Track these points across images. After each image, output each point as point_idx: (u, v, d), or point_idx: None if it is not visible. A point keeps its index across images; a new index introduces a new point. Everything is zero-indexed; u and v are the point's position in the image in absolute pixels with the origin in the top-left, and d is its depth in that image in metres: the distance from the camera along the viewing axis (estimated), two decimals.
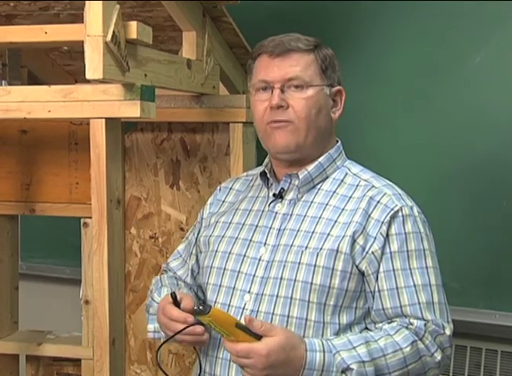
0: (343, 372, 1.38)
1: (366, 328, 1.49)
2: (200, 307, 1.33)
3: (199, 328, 1.44)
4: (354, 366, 1.38)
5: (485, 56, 2.19)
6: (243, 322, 1.38)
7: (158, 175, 2.19)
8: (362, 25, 2.33)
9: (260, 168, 1.65)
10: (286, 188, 1.55)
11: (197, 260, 1.67)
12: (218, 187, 1.73)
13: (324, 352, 1.38)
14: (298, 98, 1.50)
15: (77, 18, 1.77)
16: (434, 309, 1.46)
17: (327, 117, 1.55)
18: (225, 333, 1.35)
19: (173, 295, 1.46)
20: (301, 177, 1.54)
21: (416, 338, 1.43)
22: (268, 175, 1.58)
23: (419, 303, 1.45)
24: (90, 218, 1.69)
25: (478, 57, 2.20)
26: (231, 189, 1.69)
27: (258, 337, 1.35)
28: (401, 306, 1.45)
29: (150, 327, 1.61)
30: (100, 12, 1.48)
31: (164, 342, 1.52)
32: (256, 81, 1.54)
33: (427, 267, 1.48)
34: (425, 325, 1.44)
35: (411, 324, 1.44)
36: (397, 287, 1.45)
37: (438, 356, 1.45)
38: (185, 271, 1.70)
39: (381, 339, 1.42)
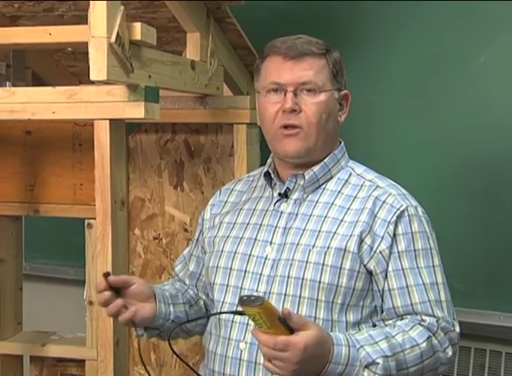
0: (366, 367, 1.38)
1: (374, 326, 1.50)
2: (252, 297, 1.27)
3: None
4: (379, 361, 1.38)
5: (490, 56, 2.19)
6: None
7: (162, 176, 2.19)
8: (365, 25, 2.32)
9: (261, 169, 1.66)
10: (291, 188, 1.56)
11: (197, 262, 1.68)
12: (219, 190, 1.73)
13: (349, 346, 1.38)
14: (310, 102, 1.51)
15: (82, 19, 1.77)
16: (442, 307, 1.48)
17: (334, 121, 1.56)
18: (267, 325, 1.29)
19: (105, 273, 1.47)
20: (307, 177, 1.54)
21: (431, 334, 1.45)
22: (272, 175, 1.59)
23: (429, 301, 1.47)
24: (94, 219, 1.69)
25: (483, 57, 2.20)
26: (232, 190, 1.69)
27: (291, 330, 1.30)
28: (412, 304, 1.47)
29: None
30: (104, 13, 1.48)
31: (172, 330, 1.51)
32: (267, 83, 1.53)
33: (433, 266, 1.50)
34: (437, 321, 1.46)
35: (423, 321, 1.46)
36: (407, 286, 1.47)
37: (450, 352, 1.47)
38: (184, 273, 1.71)
39: (398, 335, 1.43)
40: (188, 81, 1.82)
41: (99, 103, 1.61)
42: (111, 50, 1.49)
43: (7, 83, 1.99)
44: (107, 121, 1.62)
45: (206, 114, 2.06)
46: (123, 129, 1.69)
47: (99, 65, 1.49)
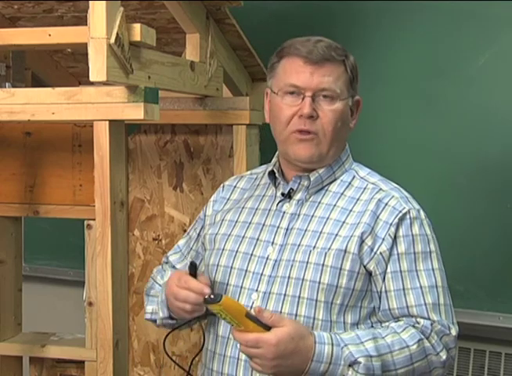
0: (350, 366, 1.39)
1: (372, 327, 1.50)
2: (212, 295, 1.34)
3: (207, 289, 1.43)
4: (361, 360, 1.39)
5: (489, 58, 2.19)
6: (253, 312, 1.38)
7: (161, 177, 2.19)
8: (366, 27, 2.33)
9: (264, 167, 1.66)
10: (295, 188, 1.56)
11: (197, 257, 1.68)
12: (222, 185, 1.73)
13: (333, 345, 1.39)
14: (327, 109, 1.50)
15: (81, 20, 1.78)
16: (439, 311, 1.47)
17: (347, 128, 1.56)
18: (235, 322, 1.35)
19: (193, 264, 1.45)
20: (312, 179, 1.55)
21: (423, 337, 1.45)
22: (277, 175, 1.59)
23: (425, 304, 1.47)
24: (94, 220, 1.69)
25: (482, 58, 2.20)
26: (235, 187, 1.69)
27: (267, 327, 1.35)
28: (407, 307, 1.47)
29: (149, 308, 1.61)
30: (104, 14, 1.48)
31: (173, 330, 1.53)
32: (285, 84, 1.52)
33: (433, 269, 1.49)
34: (431, 325, 1.46)
35: (418, 323, 1.46)
36: (403, 288, 1.47)
37: (444, 356, 1.46)
38: (183, 266, 1.69)
39: (388, 336, 1.44)
40: (187, 82, 1.82)
41: (99, 103, 1.61)
42: (111, 51, 1.49)
43: (7, 84, 2.00)
44: (107, 122, 1.62)
45: (205, 115, 2.07)
46: (122, 130, 1.69)
47: (98, 66, 1.49)
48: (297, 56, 1.52)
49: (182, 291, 1.46)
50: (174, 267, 1.71)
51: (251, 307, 1.49)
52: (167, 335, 1.54)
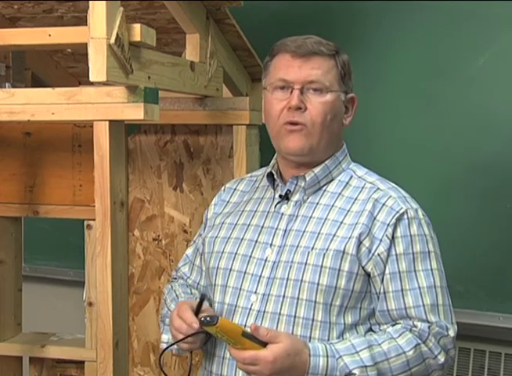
0: None
1: (371, 329, 1.50)
2: (208, 318, 1.35)
3: (196, 324, 1.43)
4: (356, 372, 1.40)
5: (489, 58, 2.19)
6: (248, 328, 1.40)
7: (161, 178, 2.19)
8: (366, 27, 2.33)
9: (265, 169, 1.66)
10: (292, 189, 1.56)
11: (201, 260, 1.68)
12: (223, 188, 1.73)
13: (327, 356, 1.40)
14: (316, 102, 1.51)
15: (81, 20, 1.78)
16: (438, 311, 1.47)
17: (339, 123, 1.56)
18: (232, 342, 1.37)
19: (202, 297, 1.45)
20: (307, 179, 1.55)
21: (420, 342, 1.45)
22: (275, 176, 1.59)
23: (423, 305, 1.46)
24: (93, 220, 1.69)
25: (482, 59, 2.20)
26: (235, 189, 1.69)
27: (264, 344, 1.37)
28: (405, 308, 1.46)
29: (164, 337, 1.60)
30: (104, 14, 1.48)
31: (165, 349, 1.53)
32: (275, 80, 1.54)
33: (431, 269, 1.49)
34: (429, 327, 1.45)
35: (415, 327, 1.45)
36: (402, 289, 1.47)
37: (442, 358, 1.46)
38: (197, 274, 1.70)
39: (385, 343, 1.43)
40: (187, 82, 1.82)
41: (99, 104, 1.61)
42: (110, 51, 1.49)
43: (6, 84, 2.00)
44: (107, 123, 1.62)
45: (205, 115, 2.07)
46: (122, 130, 1.69)
47: (98, 66, 1.49)
48: (286, 51, 1.53)
49: (177, 320, 1.47)
50: (188, 278, 1.70)
51: (250, 309, 1.49)
52: (161, 354, 1.52)
